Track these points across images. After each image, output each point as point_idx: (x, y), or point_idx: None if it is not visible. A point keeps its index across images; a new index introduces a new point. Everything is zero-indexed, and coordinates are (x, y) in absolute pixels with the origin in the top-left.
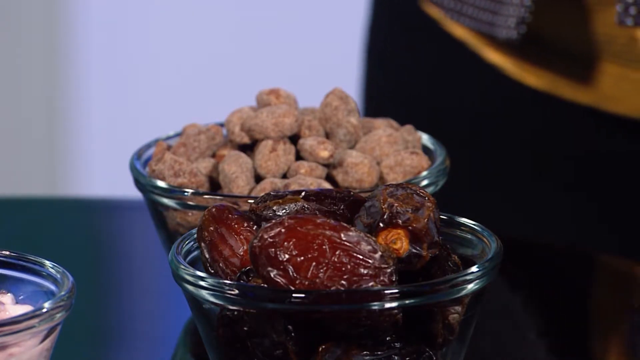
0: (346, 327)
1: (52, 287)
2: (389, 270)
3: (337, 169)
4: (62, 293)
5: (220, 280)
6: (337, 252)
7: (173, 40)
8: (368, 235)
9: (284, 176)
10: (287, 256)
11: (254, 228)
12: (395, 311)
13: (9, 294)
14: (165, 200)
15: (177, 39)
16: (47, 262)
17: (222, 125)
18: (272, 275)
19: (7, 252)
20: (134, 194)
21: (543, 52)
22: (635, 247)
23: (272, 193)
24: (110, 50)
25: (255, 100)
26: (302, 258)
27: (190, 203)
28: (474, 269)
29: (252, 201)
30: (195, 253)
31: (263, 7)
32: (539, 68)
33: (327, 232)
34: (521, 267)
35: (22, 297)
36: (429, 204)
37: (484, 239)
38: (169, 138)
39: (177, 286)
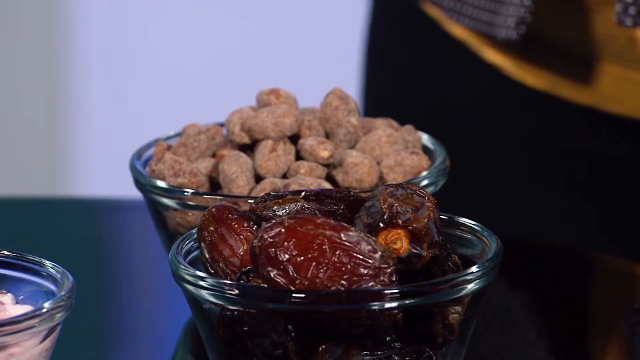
0: (346, 327)
1: (52, 287)
2: (389, 270)
3: (337, 169)
4: (62, 293)
5: (220, 280)
6: (337, 252)
7: (173, 40)
8: (368, 235)
9: (284, 176)
10: (287, 256)
11: (254, 228)
12: (395, 311)
13: (9, 294)
14: (165, 200)
15: (177, 39)
16: (47, 262)
17: (222, 125)
18: (272, 275)
19: (7, 252)
20: (134, 194)
21: (543, 52)
22: (635, 247)
23: (272, 193)
24: (110, 50)
25: (255, 100)
26: (302, 258)
27: (190, 203)
28: (474, 269)
29: (252, 201)
30: (195, 253)
31: (263, 7)
32: (538, 68)
33: (327, 232)
34: (521, 267)
35: (22, 297)
36: (429, 204)
37: (484, 239)
38: (169, 138)
39: (177, 286)
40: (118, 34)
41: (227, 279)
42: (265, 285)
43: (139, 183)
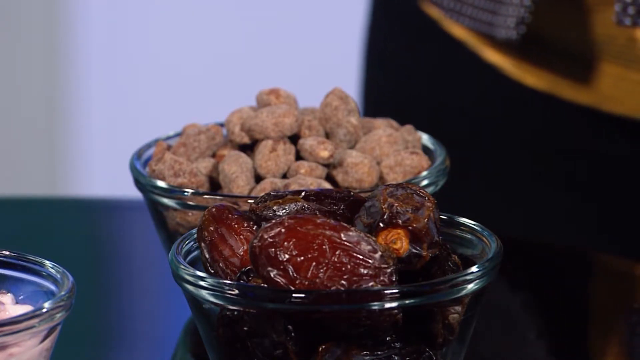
0: (346, 327)
1: (52, 287)
2: (389, 270)
3: (337, 169)
4: (62, 293)
5: (220, 280)
6: (337, 252)
7: (173, 40)
8: (368, 235)
9: (284, 176)
10: (287, 256)
11: (254, 228)
12: (395, 311)
13: (9, 294)
14: (165, 200)
15: (177, 39)
16: (47, 262)
17: (222, 125)
18: (272, 275)
19: (7, 252)
20: (134, 194)
21: (542, 53)
22: (635, 247)
23: (272, 193)
24: (110, 50)
25: (255, 100)
26: (302, 258)
27: (190, 203)
28: (474, 269)
29: (252, 201)
30: (195, 253)
31: (263, 7)
32: (538, 68)
33: (327, 232)
34: (521, 267)
35: (22, 297)
36: (429, 204)
37: (484, 239)
38: (169, 138)
39: (177, 286)
40: (118, 34)
41: (227, 279)
42: (265, 285)
43: (139, 183)
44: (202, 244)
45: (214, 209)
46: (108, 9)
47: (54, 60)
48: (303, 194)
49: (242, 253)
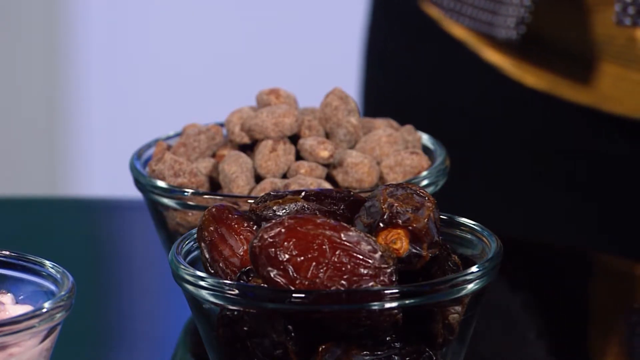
0: (346, 327)
1: (52, 287)
2: (389, 270)
3: (337, 169)
4: (62, 293)
5: (220, 280)
6: (337, 252)
7: (173, 40)
8: (368, 235)
9: (284, 176)
10: (287, 256)
11: (254, 228)
12: (395, 311)
13: (9, 294)
14: (165, 200)
15: (177, 39)
16: (47, 262)
17: (222, 125)
18: (272, 275)
19: (7, 252)
20: (134, 194)
21: (542, 53)
22: (635, 247)
23: (272, 193)
24: (110, 50)
25: (255, 100)
26: (302, 258)
27: (190, 203)
28: (474, 269)
29: (252, 201)
30: (195, 253)
31: (263, 7)
32: (538, 68)
33: (327, 232)
34: (521, 267)
35: (22, 297)
36: (429, 204)
37: (484, 239)
38: (169, 138)
39: (177, 286)
40: (118, 34)
41: (227, 279)
42: (265, 285)
43: (139, 183)
44: (202, 244)
45: (214, 209)
46: (108, 9)
47: (54, 60)
48: (303, 194)
49: (242, 253)
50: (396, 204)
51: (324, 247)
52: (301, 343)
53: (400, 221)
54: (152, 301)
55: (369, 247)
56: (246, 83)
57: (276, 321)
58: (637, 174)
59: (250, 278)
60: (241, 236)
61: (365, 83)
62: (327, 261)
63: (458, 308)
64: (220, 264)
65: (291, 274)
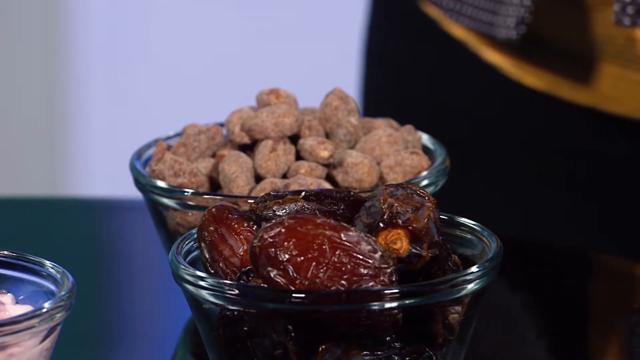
0: (346, 327)
1: (52, 287)
2: (389, 270)
3: (337, 169)
4: (62, 293)
5: (220, 280)
6: (337, 252)
7: (173, 40)
8: (368, 235)
9: (284, 176)
10: (287, 256)
11: (254, 228)
12: (395, 311)
13: (9, 294)
14: (165, 200)
15: (177, 39)
16: (47, 262)
17: (222, 125)
18: (272, 275)
19: (7, 252)
20: (134, 194)
21: (542, 53)
22: (635, 247)
23: (272, 193)
24: (110, 50)
25: (255, 100)
26: (302, 258)
27: (190, 203)
28: (474, 269)
29: (252, 201)
30: (195, 253)
31: (263, 7)
32: (538, 68)
33: (327, 232)
34: (521, 267)
35: (22, 297)
36: (429, 204)
37: (484, 239)
38: (169, 138)
39: (177, 286)
40: (118, 34)
41: (227, 279)
42: (265, 285)
43: (139, 183)
44: (202, 244)
45: (214, 209)
46: (108, 9)
47: (54, 60)
48: (303, 194)
49: (242, 253)
50: (396, 204)
51: (324, 247)
52: (301, 343)
53: (400, 221)
54: (152, 301)
55: (369, 247)
56: (246, 83)
57: (276, 321)
58: (637, 174)
59: (250, 278)
60: (241, 236)
61: (365, 83)
62: (327, 261)
63: (458, 308)
64: (220, 264)
65: (291, 274)
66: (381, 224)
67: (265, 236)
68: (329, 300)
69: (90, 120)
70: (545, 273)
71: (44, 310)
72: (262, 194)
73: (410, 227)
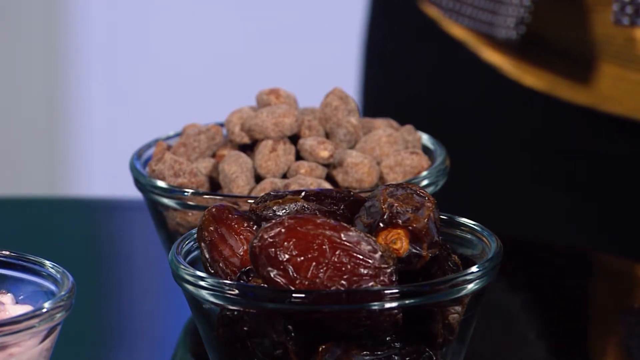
0: (346, 327)
1: (52, 287)
2: (389, 270)
3: (337, 169)
4: (62, 293)
5: (220, 280)
6: (337, 252)
7: (173, 40)
8: (368, 235)
9: (284, 176)
10: (287, 256)
11: (254, 228)
12: (395, 311)
13: (9, 294)
14: (165, 200)
15: (177, 39)
16: (47, 262)
17: (222, 125)
18: (272, 275)
19: (7, 252)
20: (134, 194)
21: (542, 53)
22: (635, 247)
23: (272, 193)
24: (110, 50)
25: (255, 100)
26: (302, 258)
27: (190, 203)
28: (474, 269)
29: (252, 201)
30: (195, 253)
31: (263, 7)
32: (537, 68)
33: (327, 232)
34: (521, 267)
35: (22, 297)
36: (429, 204)
37: (484, 239)
38: (169, 138)
39: (177, 286)
40: (118, 34)
41: (227, 279)
42: (265, 285)
43: (139, 183)
44: (202, 244)
45: (214, 209)
46: (108, 9)
47: (54, 60)
48: (303, 194)
49: (242, 253)
50: (396, 204)
51: (324, 247)
52: (301, 343)
53: (400, 221)
54: (152, 301)
55: (369, 247)
56: (246, 83)
57: (276, 321)
58: (637, 174)
59: (250, 278)
60: (241, 236)
61: (365, 83)
62: (327, 261)
63: (458, 308)
64: (220, 264)
65: (291, 274)
66: (381, 224)
67: (265, 236)
68: (329, 300)
69: (90, 120)
70: (545, 273)
71: (44, 310)
72: (262, 194)
73: (410, 227)
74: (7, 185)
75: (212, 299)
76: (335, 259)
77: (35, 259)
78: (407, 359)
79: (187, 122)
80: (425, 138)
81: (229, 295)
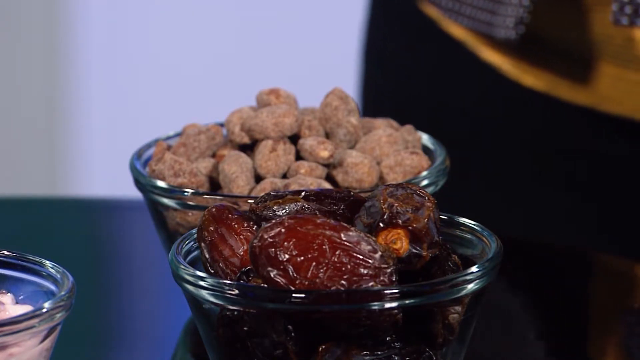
0: (346, 327)
1: (52, 287)
2: (389, 270)
3: (337, 169)
4: (62, 293)
5: (220, 280)
6: (337, 252)
7: (173, 40)
8: (368, 235)
9: (284, 176)
10: (287, 256)
11: (254, 228)
12: (395, 311)
13: (9, 294)
14: (165, 200)
15: (177, 39)
16: (47, 262)
17: (222, 125)
18: (272, 275)
19: (7, 252)
20: (134, 194)
21: (541, 53)
22: (635, 247)
23: (272, 193)
24: (110, 50)
25: (255, 100)
26: (302, 258)
27: (190, 203)
28: (474, 269)
29: (252, 201)
30: (195, 253)
31: (263, 7)
32: (537, 68)
33: (327, 232)
34: (521, 267)
35: (22, 297)
36: (429, 204)
37: (484, 239)
38: (169, 138)
39: (177, 286)
40: (118, 34)
41: (227, 279)
42: (265, 285)
43: (139, 183)
44: (202, 244)
45: (214, 209)
46: (108, 9)
47: (54, 60)
48: (303, 194)
49: (242, 253)
50: (396, 204)
51: (324, 247)
52: (301, 343)
53: (400, 221)
54: (152, 301)
55: (369, 247)
56: (246, 83)
57: (276, 321)
58: (637, 174)
59: (250, 278)
60: (241, 236)
61: (365, 83)
62: (327, 261)
63: (458, 308)
64: (220, 264)
65: (291, 274)
66: (381, 224)
67: (265, 236)
68: (329, 300)
69: (90, 120)
70: (545, 273)
71: (44, 310)
72: (262, 194)
73: (410, 227)
74: (7, 185)
75: (212, 299)
76: (335, 259)
77: (35, 259)
78: (407, 359)
79: (187, 122)
80: (425, 138)
81: (229, 295)
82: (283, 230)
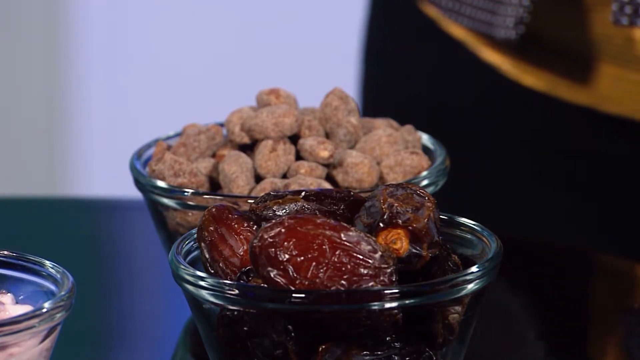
0: (346, 327)
1: (52, 287)
2: (389, 270)
3: (337, 169)
4: (62, 293)
5: (220, 280)
6: (337, 252)
7: (173, 40)
8: (368, 235)
9: (284, 176)
10: (287, 256)
11: (254, 228)
12: (395, 311)
13: (9, 294)
14: (165, 200)
15: (177, 39)
16: (47, 262)
17: (222, 125)
18: (272, 275)
19: (7, 252)
20: (134, 194)
21: (541, 53)
22: (635, 247)
23: (272, 193)
24: (110, 50)
25: (255, 100)
26: (302, 258)
27: (190, 203)
28: (474, 269)
29: (252, 201)
30: (195, 253)
31: (263, 7)
32: (537, 68)
33: (327, 232)
34: (521, 267)
35: (22, 297)
36: (429, 204)
37: (484, 239)
38: (169, 138)
39: (177, 286)
40: (118, 34)
41: (227, 279)
42: (265, 285)
43: (139, 183)
44: (202, 244)
45: (214, 209)
46: (108, 9)
47: (54, 60)
48: (303, 194)
49: (242, 253)
50: (396, 204)
51: (324, 247)
52: (301, 343)
53: (400, 221)
54: (152, 301)
55: (369, 247)
56: (246, 83)
57: (276, 321)
58: (637, 174)
59: (250, 278)
60: (241, 236)
61: (365, 83)
62: (327, 261)
63: (458, 308)
64: (220, 264)
65: (291, 274)
66: (381, 224)
67: (265, 236)
68: (329, 300)
69: (90, 120)
70: (545, 273)
71: (44, 310)
72: (262, 194)
73: (410, 227)
74: (7, 185)
75: (212, 299)
76: (335, 259)
77: (35, 259)
78: (407, 359)
79: (187, 122)
80: (425, 138)
81: (229, 295)
82: (283, 230)
